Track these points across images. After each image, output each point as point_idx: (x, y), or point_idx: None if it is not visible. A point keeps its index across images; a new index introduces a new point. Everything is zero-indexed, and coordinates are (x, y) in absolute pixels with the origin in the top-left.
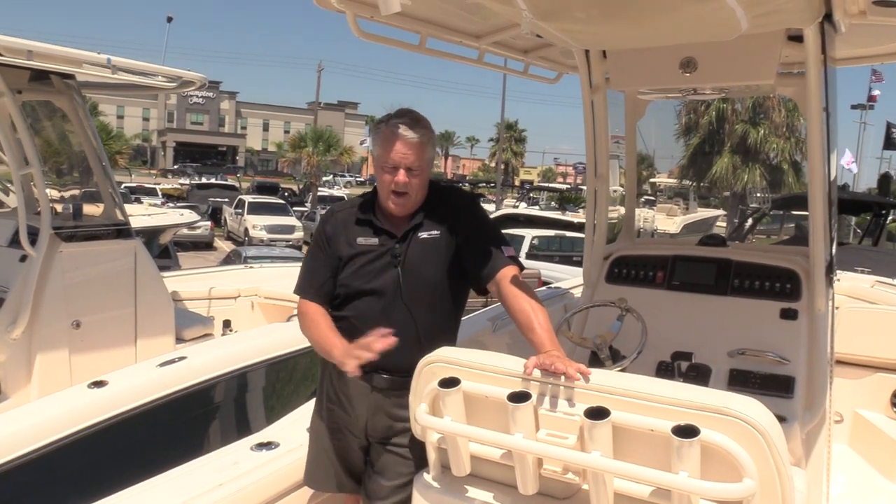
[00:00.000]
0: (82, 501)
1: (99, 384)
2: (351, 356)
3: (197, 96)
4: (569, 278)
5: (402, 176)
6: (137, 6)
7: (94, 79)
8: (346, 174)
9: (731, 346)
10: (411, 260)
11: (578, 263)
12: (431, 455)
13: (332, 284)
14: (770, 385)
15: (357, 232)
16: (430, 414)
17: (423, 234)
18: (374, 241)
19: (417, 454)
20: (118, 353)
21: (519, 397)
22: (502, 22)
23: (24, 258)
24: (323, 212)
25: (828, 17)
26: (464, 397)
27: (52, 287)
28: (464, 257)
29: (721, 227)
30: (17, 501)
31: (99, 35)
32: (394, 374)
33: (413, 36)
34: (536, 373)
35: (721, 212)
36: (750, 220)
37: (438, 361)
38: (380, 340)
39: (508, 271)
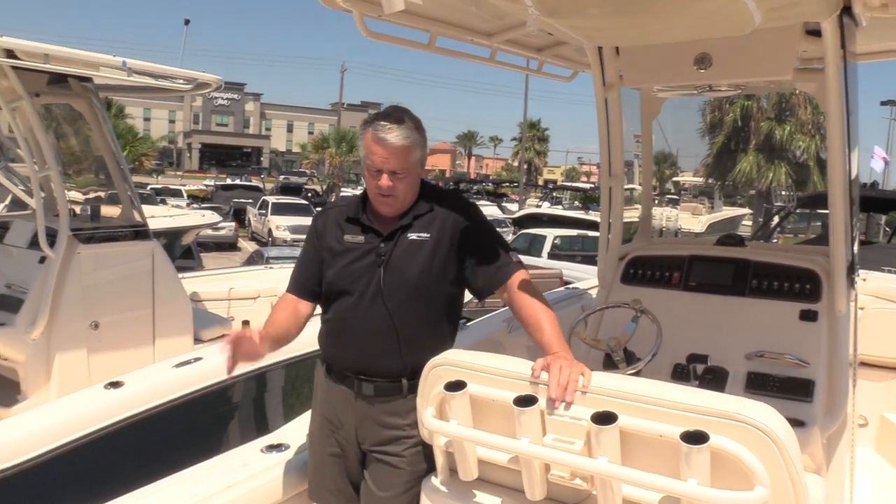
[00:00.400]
0: (96, 500)
1: (115, 385)
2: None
3: (222, 98)
4: (590, 278)
5: (384, 180)
6: (165, 10)
7: (110, 81)
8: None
9: (748, 348)
10: (396, 260)
11: None
12: (439, 459)
13: (316, 280)
14: (789, 388)
15: (346, 230)
16: (436, 417)
17: (412, 236)
18: (360, 238)
19: (412, 463)
20: (136, 354)
21: (525, 401)
22: (513, 20)
23: (43, 259)
24: None
25: (847, 10)
26: (470, 400)
27: (70, 288)
28: (466, 265)
29: (747, 225)
30: (34, 500)
31: (127, 39)
32: (376, 379)
33: (423, 35)
34: (544, 375)
35: (747, 210)
36: (775, 219)
37: (445, 364)
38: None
39: (518, 277)
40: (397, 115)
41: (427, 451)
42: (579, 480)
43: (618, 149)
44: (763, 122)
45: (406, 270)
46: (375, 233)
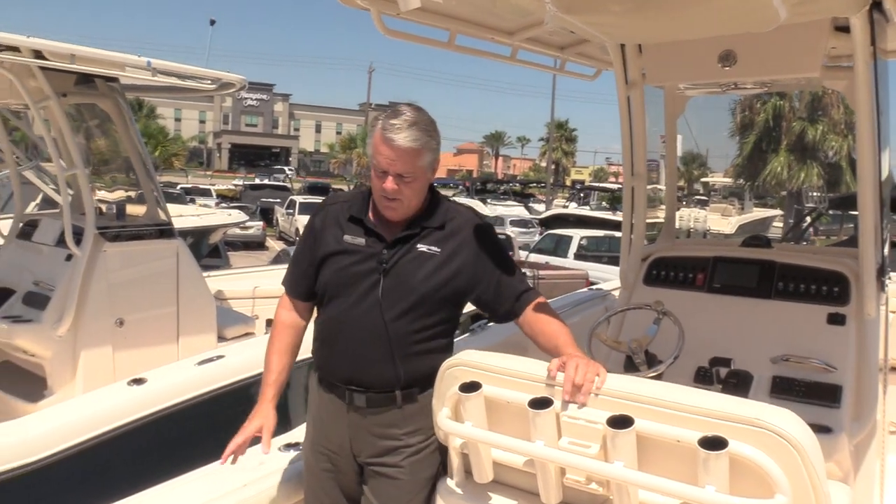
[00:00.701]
0: (117, 496)
1: (139, 381)
2: (246, 432)
3: (251, 99)
4: (616, 279)
5: (390, 183)
6: (197, 11)
7: (136, 81)
8: None
9: (774, 352)
10: (399, 270)
11: None
12: (454, 460)
13: (311, 280)
14: (815, 393)
15: (346, 229)
16: (452, 419)
17: (422, 247)
18: (361, 241)
19: (412, 472)
20: (160, 351)
21: (540, 403)
22: (534, 18)
23: (69, 257)
24: None
25: (877, 5)
26: (485, 402)
27: (96, 286)
28: (483, 290)
29: (778, 227)
30: (59, 493)
31: (155, 40)
32: (368, 390)
33: (443, 33)
34: (560, 376)
35: (778, 212)
36: (806, 221)
37: (460, 365)
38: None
39: (536, 302)
40: (409, 115)
41: (427, 458)
42: (595, 485)
43: (640, 148)
44: (795, 121)
45: (409, 281)
46: (378, 237)
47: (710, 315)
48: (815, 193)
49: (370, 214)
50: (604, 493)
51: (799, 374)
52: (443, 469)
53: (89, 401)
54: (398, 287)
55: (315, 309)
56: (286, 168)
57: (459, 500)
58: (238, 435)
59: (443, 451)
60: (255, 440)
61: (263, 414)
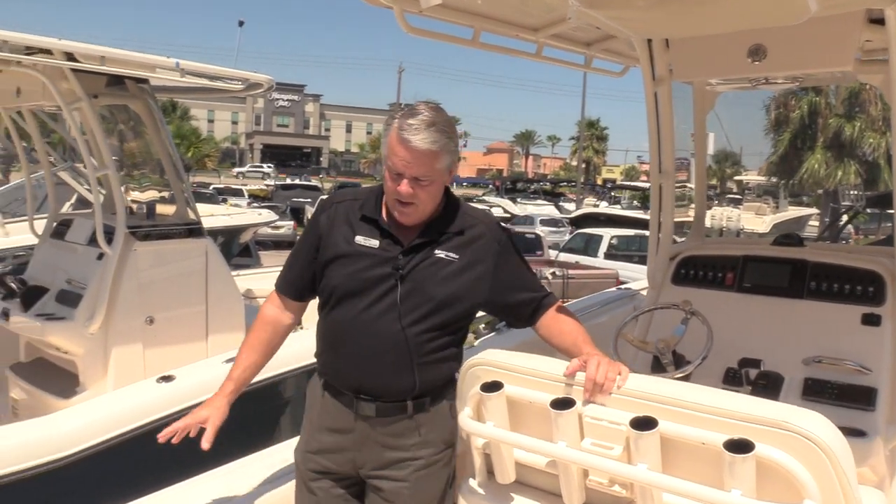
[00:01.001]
0: (146, 491)
1: (167, 378)
2: (191, 418)
3: (282, 99)
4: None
5: (405, 186)
6: (231, 14)
7: (165, 83)
8: None
9: (805, 353)
10: (416, 275)
11: None
12: (476, 460)
13: (309, 281)
14: (849, 396)
15: (358, 229)
16: (473, 418)
17: (440, 253)
18: (375, 244)
19: (416, 488)
20: (190, 349)
21: (562, 404)
22: (558, 13)
23: (101, 256)
24: None
25: None
26: (507, 402)
27: (127, 284)
28: (502, 298)
29: (814, 226)
30: (90, 488)
31: (190, 43)
32: (380, 399)
33: (466, 30)
34: (580, 376)
35: (814, 210)
36: (843, 220)
37: (482, 364)
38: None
39: (554, 307)
40: (427, 114)
41: (435, 473)
42: (618, 487)
43: (668, 145)
44: (831, 118)
45: (427, 287)
46: (394, 240)
47: (739, 315)
48: (852, 192)
49: (384, 215)
50: (627, 495)
51: (832, 376)
52: (450, 485)
53: (119, 398)
54: (415, 293)
55: (319, 312)
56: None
57: (482, 500)
58: (183, 419)
59: (451, 466)
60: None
61: (215, 405)
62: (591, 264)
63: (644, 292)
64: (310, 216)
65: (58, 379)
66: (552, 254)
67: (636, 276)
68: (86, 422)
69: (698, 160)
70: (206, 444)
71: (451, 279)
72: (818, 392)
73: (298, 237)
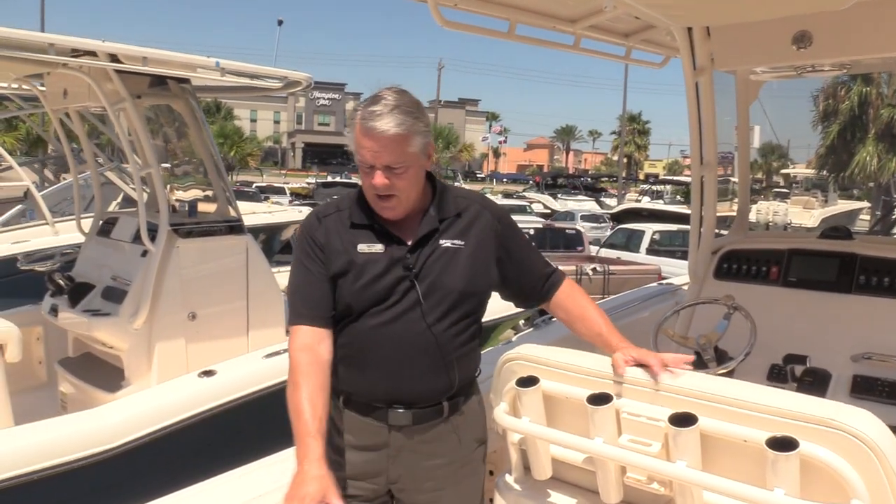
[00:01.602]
0: (187, 483)
1: (209, 373)
2: (299, 499)
3: (323, 98)
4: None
5: (379, 178)
6: (273, 16)
7: (207, 82)
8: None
9: (854, 349)
10: (431, 272)
11: None
12: (513, 456)
13: (331, 301)
14: None
15: (355, 238)
16: (510, 414)
17: (446, 243)
18: (379, 248)
19: (459, 492)
20: (231, 344)
21: (599, 399)
22: (596, 4)
23: (145, 253)
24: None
25: None
26: (543, 397)
27: (169, 280)
28: (510, 277)
29: (865, 220)
30: (133, 479)
31: (232, 45)
32: (415, 406)
33: (502, 23)
34: (630, 373)
35: (865, 204)
36: (895, 214)
37: (518, 359)
38: None
39: (565, 284)
40: (390, 98)
41: (471, 472)
42: (657, 485)
43: (710, 136)
44: (883, 108)
45: (446, 282)
46: (396, 240)
47: (784, 310)
48: None
49: (377, 217)
50: (666, 493)
51: (882, 374)
52: (484, 483)
53: (162, 392)
54: (435, 289)
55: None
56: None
57: (518, 496)
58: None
59: (484, 464)
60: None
61: (320, 474)
62: (632, 260)
63: (686, 287)
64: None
65: (104, 373)
66: (593, 250)
67: (679, 272)
68: (131, 415)
69: (741, 151)
70: None
71: (465, 267)
72: (867, 390)
73: (293, 267)
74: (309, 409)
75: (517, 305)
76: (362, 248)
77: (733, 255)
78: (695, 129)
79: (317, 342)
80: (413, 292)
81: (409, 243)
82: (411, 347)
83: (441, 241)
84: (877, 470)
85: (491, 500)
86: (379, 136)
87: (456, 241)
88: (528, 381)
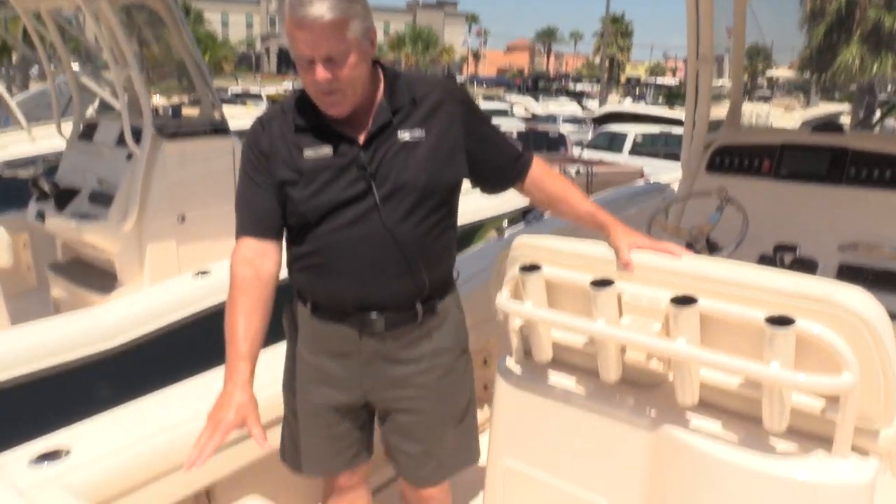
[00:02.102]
0: (187, 379)
1: (203, 273)
2: (221, 427)
3: None
4: (672, 174)
5: (320, 72)
6: None
7: None
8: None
9: (842, 239)
10: (388, 170)
11: None
12: (514, 341)
13: (278, 213)
14: (885, 281)
15: (301, 143)
16: (511, 300)
17: (404, 135)
18: (327, 150)
19: (438, 404)
20: (222, 246)
21: (602, 283)
22: None
23: (130, 156)
24: None
25: None
26: (546, 284)
27: (157, 183)
28: (478, 163)
29: (845, 123)
30: (132, 379)
31: None
32: (387, 310)
33: None
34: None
35: (846, 106)
36: (878, 113)
37: (521, 247)
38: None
39: (536, 164)
40: None
41: (455, 381)
42: (656, 362)
43: (707, 29)
44: (871, 9)
45: (403, 179)
46: (347, 140)
47: (775, 202)
48: (889, 86)
49: (323, 117)
50: (664, 370)
51: (868, 262)
52: (473, 395)
53: (158, 292)
54: (394, 188)
55: (287, 240)
56: None
57: (519, 379)
58: (210, 430)
59: (469, 373)
60: None
61: (240, 400)
62: (615, 161)
63: (674, 185)
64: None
65: (96, 277)
66: (576, 151)
67: (662, 174)
68: (128, 315)
69: (736, 46)
70: (262, 441)
71: (427, 160)
72: (853, 277)
73: (239, 177)
74: (243, 328)
75: (487, 191)
76: (309, 153)
77: (726, 149)
78: (692, 21)
79: (260, 256)
80: (371, 196)
81: (361, 141)
82: (375, 252)
83: (399, 134)
84: (868, 344)
85: (486, 387)
86: (312, 25)
87: (415, 133)
88: (532, 268)
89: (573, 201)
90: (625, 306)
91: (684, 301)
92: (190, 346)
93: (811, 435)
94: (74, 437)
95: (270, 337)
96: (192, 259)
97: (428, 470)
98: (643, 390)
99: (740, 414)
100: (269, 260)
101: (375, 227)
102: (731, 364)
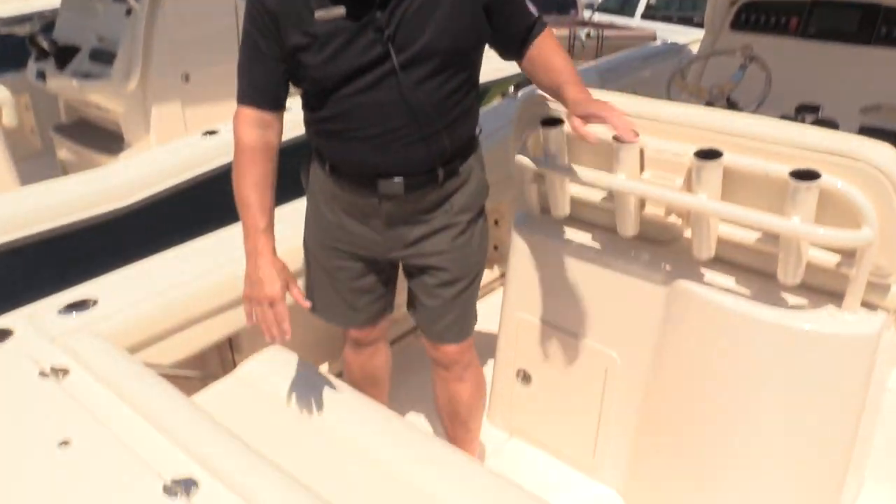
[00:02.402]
0: (198, 236)
1: (212, 133)
2: (267, 305)
3: None
4: (687, 38)
5: None
6: None
7: None
8: None
9: (865, 101)
10: (406, 32)
11: (700, 25)
12: (532, 197)
13: (282, 78)
14: None
15: (311, 4)
16: (530, 155)
17: None
18: (339, 11)
19: (462, 258)
20: (228, 106)
21: None
22: None
23: (129, 12)
24: None
25: None
26: (566, 139)
27: (158, 39)
28: (493, 23)
29: None
30: (143, 237)
31: None
32: (408, 176)
33: None
34: (645, 109)
35: None
36: None
37: (541, 102)
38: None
39: (545, 34)
40: None
41: (475, 239)
42: (674, 218)
43: None
44: None
45: (422, 40)
46: (362, 1)
47: (801, 62)
48: None
49: None
50: (681, 226)
51: (889, 125)
52: (486, 252)
53: (170, 151)
54: (413, 52)
55: (304, 104)
56: None
57: (535, 234)
58: (268, 310)
59: (486, 232)
60: None
61: (277, 269)
62: (627, 25)
63: (692, 47)
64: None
65: (102, 137)
66: (586, 14)
67: (675, 38)
68: (138, 174)
69: None
70: (306, 304)
71: (448, 22)
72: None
73: (242, 38)
74: (257, 202)
75: (500, 54)
76: (320, 13)
77: (752, 5)
78: None
79: (263, 126)
80: (388, 59)
81: (376, 1)
82: (394, 118)
83: None
84: (889, 198)
85: (496, 247)
86: None
87: None
88: (553, 122)
89: (554, 73)
90: (647, 161)
91: (709, 155)
92: (203, 204)
93: (823, 290)
94: (100, 288)
95: (289, 192)
96: (198, 120)
97: (442, 325)
98: (659, 246)
99: (754, 269)
100: (272, 131)
101: (394, 92)
102: (751, 218)
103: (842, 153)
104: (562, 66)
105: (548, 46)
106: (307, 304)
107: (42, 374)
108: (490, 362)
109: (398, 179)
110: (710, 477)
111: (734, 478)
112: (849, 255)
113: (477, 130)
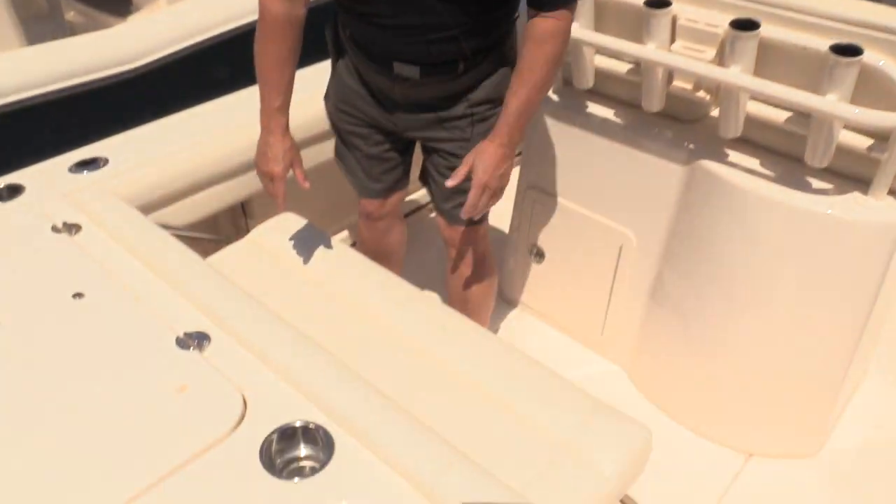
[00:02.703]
0: (207, 100)
1: None
2: (272, 179)
3: None
4: None
5: None
6: None
7: None
8: None
9: None
10: None
11: None
12: None
13: None
14: None
15: None
16: None
17: None
18: None
19: (472, 144)
20: None
21: (658, 3)
22: None
23: None
24: None
25: None
26: (595, 5)
27: None
28: None
29: None
30: (157, 98)
31: None
32: (427, 65)
33: None
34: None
35: None
36: None
37: None
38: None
39: (547, 21)
40: None
41: (486, 128)
42: (702, 94)
43: None
44: None
45: None
46: None
47: None
48: None
49: None
50: (710, 101)
51: None
52: None
53: (182, 12)
54: None
55: None
56: None
57: (556, 107)
58: (269, 183)
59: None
60: None
61: (285, 147)
62: None
63: None
64: None
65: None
66: None
67: None
68: (153, 33)
69: None
70: (306, 185)
71: None
72: None
73: None
74: (276, 79)
75: None
76: None
77: None
78: None
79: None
80: None
81: None
82: (411, 16)
83: None
84: None
85: None
86: None
87: None
88: None
89: (510, 99)
90: (680, 30)
91: (746, 25)
92: (215, 68)
93: (849, 175)
94: (111, 147)
95: (314, 55)
96: None
97: (453, 205)
98: (683, 124)
99: (780, 152)
100: (300, 3)
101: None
102: (784, 94)
103: (888, 29)
104: (522, 70)
105: (537, 32)
106: (307, 184)
107: (55, 228)
108: (503, 238)
109: (414, 65)
110: (715, 354)
111: (739, 356)
112: (882, 139)
113: (515, 15)
